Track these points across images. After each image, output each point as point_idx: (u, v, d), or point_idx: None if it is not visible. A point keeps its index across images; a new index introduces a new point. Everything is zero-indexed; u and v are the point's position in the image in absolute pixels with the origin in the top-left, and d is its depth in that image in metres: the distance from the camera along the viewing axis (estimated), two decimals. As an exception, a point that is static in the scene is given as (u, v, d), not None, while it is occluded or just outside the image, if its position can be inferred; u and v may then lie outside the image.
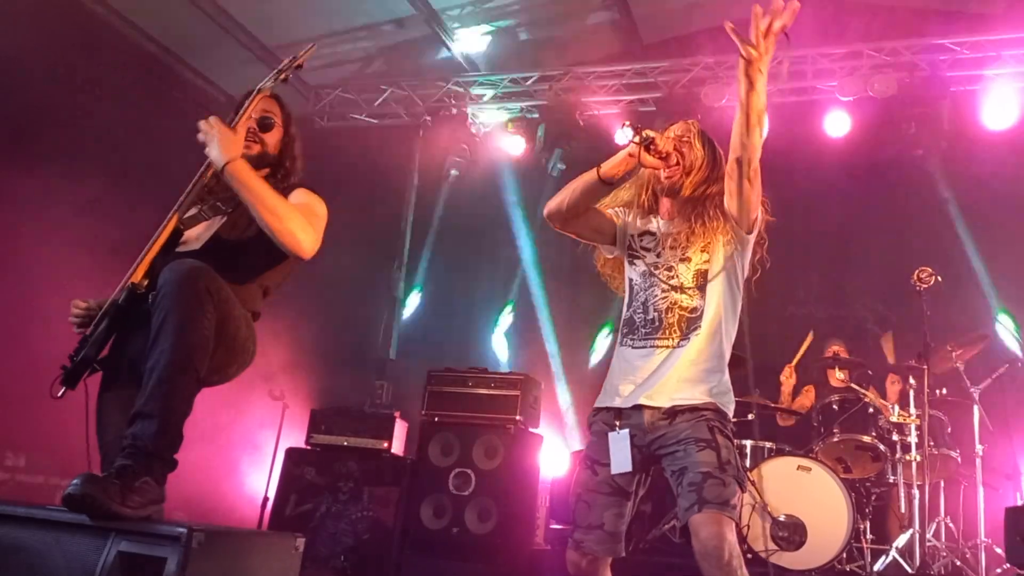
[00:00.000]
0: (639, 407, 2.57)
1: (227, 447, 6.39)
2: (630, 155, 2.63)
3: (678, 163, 2.68)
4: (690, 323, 2.59)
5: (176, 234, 2.55)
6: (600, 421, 2.67)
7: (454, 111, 7.62)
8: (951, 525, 5.20)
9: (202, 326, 2.24)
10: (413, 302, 8.05)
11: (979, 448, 5.02)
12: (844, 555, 4.75)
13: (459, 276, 7.87)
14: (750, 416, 5.58)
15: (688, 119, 2.84)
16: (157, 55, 6.42)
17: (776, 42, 2.36)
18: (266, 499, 5.91)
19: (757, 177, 2.55)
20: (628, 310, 2.74)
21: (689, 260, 2.65)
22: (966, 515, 5.21)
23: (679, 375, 2.55)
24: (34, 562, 2.04)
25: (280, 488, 5.71)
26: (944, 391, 5.33)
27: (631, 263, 2.78)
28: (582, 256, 3.05)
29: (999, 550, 4.72)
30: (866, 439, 5.24)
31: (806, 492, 4.81)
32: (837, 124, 6.66)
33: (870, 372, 5.97)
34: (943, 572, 4.80)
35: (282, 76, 2.60)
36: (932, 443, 5.09)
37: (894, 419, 5.16)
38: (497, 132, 7.61)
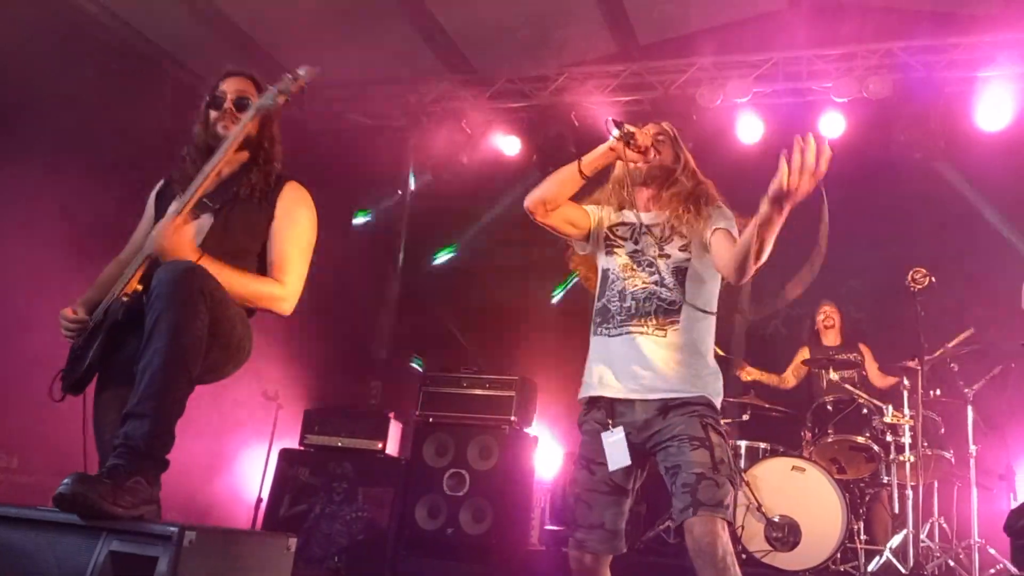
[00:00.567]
0: (631, 401, 2.58)
1: (220, 448, 6.37)
2: (611, 149, 2.72)
3: (655, 156, 2.77)
4: (668, 315, 2.62)
5: None
6: (592, 420, 2.68)
7: (449, 111, 7.61)
8: (945, 526, 5.21)
9: (195, 327, 2.24)
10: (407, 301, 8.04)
11: (973, 449, 5.03)
12: (838, 555, 4.77)
13: (453, 276, 7.85)
14: (745, 416, 5.60)
15: (661, 121, 2.91)
16: (144, 50, 6.39)
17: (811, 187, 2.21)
18: (260, 500, 5.90)
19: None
20: (602, 299, 2.76)
21: (668, 256, 2.69)
22: (960, 516, 5.22)
23: (663, 366, 2.57)
24: (25, 562, 2.03)
25: (274, 489, 5.71)
26: (938, 392, 5.34)
27: (608, 254, 2.81)
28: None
29: (992, 550, 4.73)
30: (860, 440, 5.25)
31: (800, 493, 4.82)
32: (832, 125, 6.67)
33: (864, 373, 5.99)
34: (937, 573, 4.81)
35: (282, 98, 2.60)
36: (926, 444, 5.10)
37: (888, 420, 5.17)
38: (492, 132, 7.60)
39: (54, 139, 5.08)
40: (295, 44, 6.61)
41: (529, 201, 2.77)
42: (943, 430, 5.32)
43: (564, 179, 2.77)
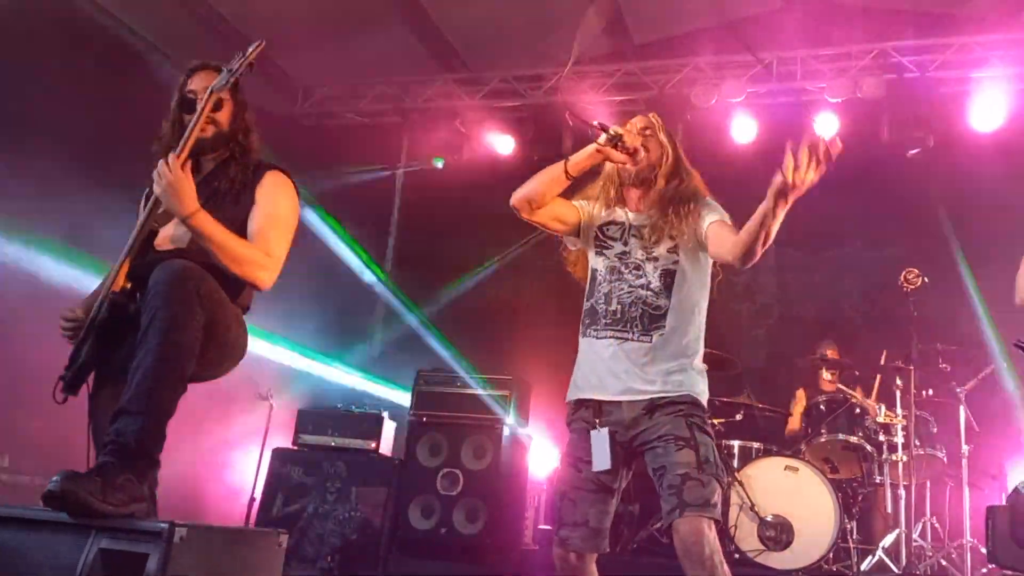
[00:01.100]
0: (618, 403, 2.59)
1: (213, 447, 6.35)
2: (598, 151, 2.70)
3: (643, 155, 2.74)
4: (653, 320, 2.61)
5: (150, 234, 2.54)
6: (580, 419, 2.69)
7: (442, 110, 7.60)
8: (937, 525, 5.22)
9: (190, 327, 2.24)
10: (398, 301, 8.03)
11: (965, 448, 5.05)
12: (831, 555, 4.77)
13: (446, 275, 7.84)
14: (738, 416, 5.60)
15: (649, 113, 2.89)
16: (135, 46, 6.37)
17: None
18: (252, 499, 5.88)
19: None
20: (590, 300, 2.76)
21: (656, 259, 2.68)
22: (952, 515, 5.24)
23: (648, 371, 2.57)
24: (15, 561, 2.02)
25: (267, 488, 5.69)
26: (930, 391, 5.36)
27: (597, 254, 2.80)
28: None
29: (984, 550, 4.74)
30: (853, 439, 5.26)
31: (793, 492, 4.82)
32: (826, 125, 6.69)
33: (856, 373, 5.99)
34: (929, 572, 4.82)
35: (233, 77, 2.58)
36: (918, 443, 5.12)
37: (880, 419, 5.18)
38: (486, 131, 7.60)
39: (41, 134, 5.05)
40: (289, 42, 6.61)
41: (514, 199, 2.76)
42: (935, 430, 5.34)
43: (549, 179, 2.75)
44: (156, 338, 2.18)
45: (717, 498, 2.43)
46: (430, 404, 5.80)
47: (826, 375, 6.02)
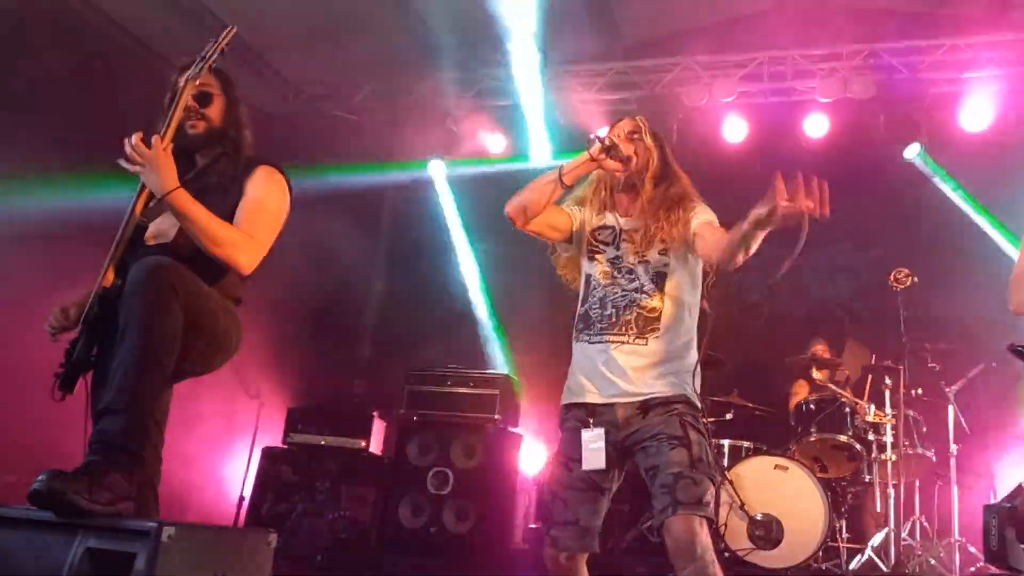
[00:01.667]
0: (611, 404, 2.59)
1: (202, 446, 6.33)
2: (591, 159, 2.71)
3: (635, 162, 2.76)
4: (648, 322, 2.62)
5: (140, 228, 2.52)
6: (573, 418, 2.69)
7: (434, 108, 7.59)
8: (926, 524, 5.24)
9: (167, 322, 2.22)
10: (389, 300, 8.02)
11: (953, 448, 5.07)
12: (820, 554, 4.78)
13: (437, 273, 7.83)
14: (728, 416, 5.61)
15: (635, 115, 2.90)
16: (126, 43, 6.33)
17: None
18: (242, 498, 5.86)
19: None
20: (584, 305, 2.77)
21: (648, 262, 2.69)
22: (941, 514, 5.25)
23: (642, 375, 2.58)
24: (1, 561, 2.00)
25: (256, 487, 5.67)
26: (920, 391, 5.37)
27: (590, 259, 2.81)
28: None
29: (973, 549, 4.76)
30: (842, 439, 5.27)
31: (783, 491, 4.83)
32: (816, 125, 6.71)
33: (847, 372, 6.01)
34: (918, 571, 4.84)
35: (207, 64, 2.56)
36: (907, 443, 5.14)
37: (870, 419, 5.20)
38: (477, 129, 7.60)
39: (25, 126, 5.02)
40: (280, 39, 6.58)
41: (509, 209, 2.77)
42: (925, 429, 5.36)
43: (544, 187, 2.76)
44: (134, 336, 2.18)
45: (710, 497, 2.43)
46: (420, 403, 5.79)
47: (816, 374, 6.03)
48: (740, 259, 2.42)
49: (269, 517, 5.48)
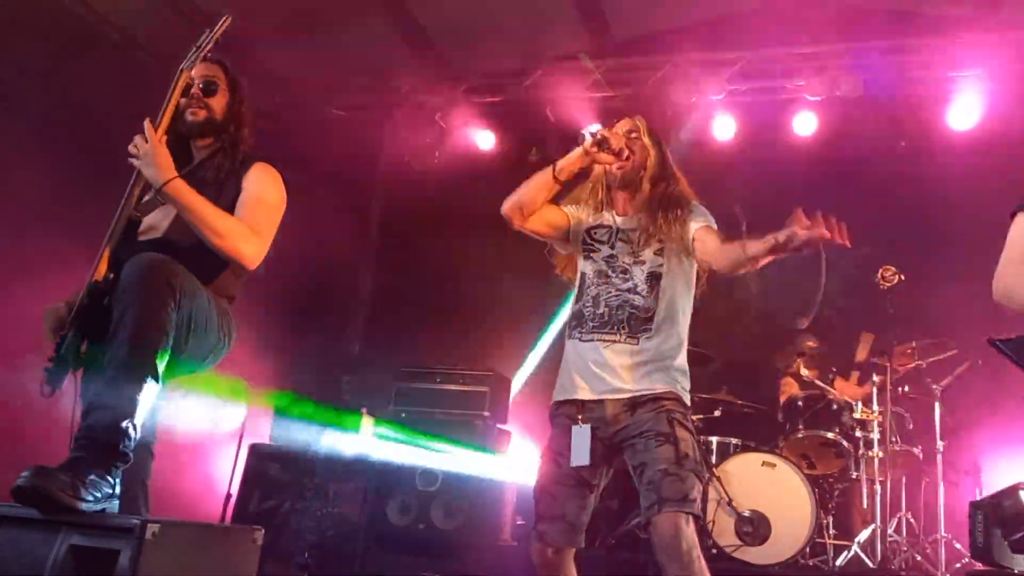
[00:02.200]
0: (601, 401, 2.61)
1: (189, 443, 6.28)
2: (585, 153, 2.72)
3: (629, 158, 2.77)
4: (640, 322, 2.64)
5: (133, 223, 2.50)
6: (563, 415, 2.71)
7: (423, 105, 7.57)
8: (912, 520, 5.27)
9: (161, 320, 2.21)
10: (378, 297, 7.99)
11: (940, 444, 5.10)
12: (807, 550, 4.80)
13: (426, 271, 7.80)
14: (716, 413, 5.62)
15: (634, 116, 2.92)
16: (115, 38, 6.28)
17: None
18: (229, 495, 5.82)
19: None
20: (578, 303, 2.78)
21: (643, 262, 2.71)
22: (927, 510, 5.29)
23: (632, 373, 2.59)
24: (-16, 558, 1.98)
25: (243, 484, 5.64)
26: (906, 388, 5.41)
27: (586, 257, 2.83)
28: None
29: (959, 545, 4.79)
30: (830, 435, 5.29)
31: (771, 488, 4.85)
32: (805, 123, 6.72)
33: (834, 369, 6.03)
34: (904, 567, 4.87)
35: (201, 54, 2.55)
36: (894, 439, 5.17)
37: (857, 415, 5.22)
38: (467, 126, 7.58)
39: (14, 119, 4.98)
40: (266, 33, 6.53)
41: (506, 208, 2.79)
42: (911, 426, 5.39)
43: (539, 185, 2.78)
44: (126, 332, 2.16)
45: (696, 493, 2.44)
46: (409, 400, 5.78)
47: (804, 371, 6.05)
48: (741, 272, 2.48)
49: (256, 514, 5.45)
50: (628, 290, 2.67)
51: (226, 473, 5.84)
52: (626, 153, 2.75)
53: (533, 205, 2.77)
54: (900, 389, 5.37)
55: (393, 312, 7.71)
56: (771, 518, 4.76)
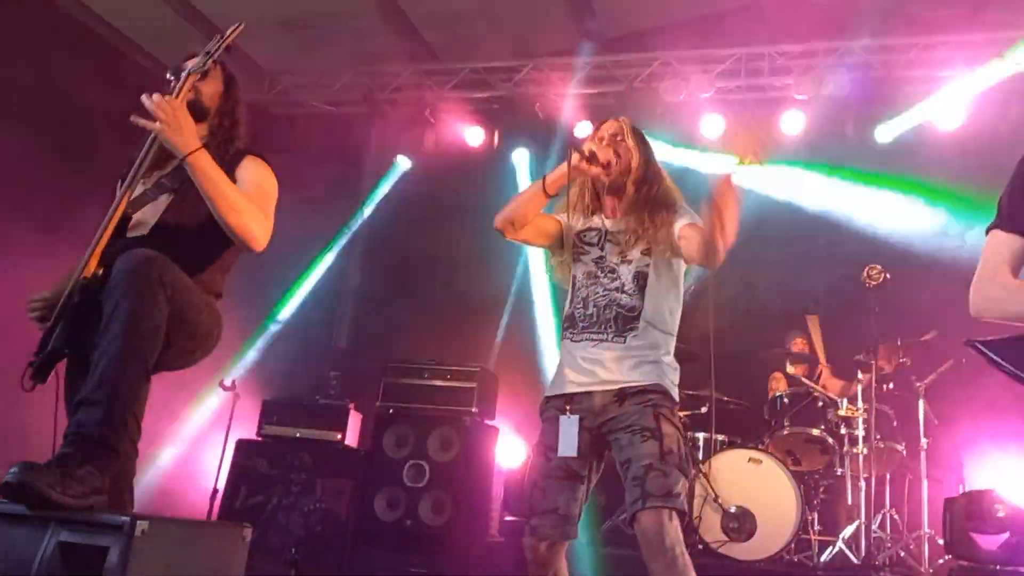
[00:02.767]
0: (589, 392, 2.66)
1: (176, 438, 6.28)
2: (573, 168, 2.77)
3: (616, 165, 2.82)
4: (627, 321, 2.68)
5: (124, 218, 2.49)
6: (552, 408, 2.75)
7: (412, 100, 7.56)
8: (896, 517, 5.31)
9: (152, 316, 2.21)
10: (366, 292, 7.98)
11: (924, 441, 5.14)
12: (792, 546, 4.84)
13: (414, 266, 7.79)
14: (703, 409, 5.64)
15: (619, 117, 2.96)
16: (111, 38, 6.25)
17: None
18: (216, 491, 5.81)
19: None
20: (570, 306, 2.83)
21: (630, 262, 2.75)
22: (911, 507, 5.33)
23: (621, 362, 2.64)
24: (-30, 554, 1.97)
25: (231, 480, 5.63)
26: (891, 385, 5.45)
27: (576, 260, 2.87)
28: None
29: (942, 541, 4.83)
30: (815, 432, 5.33)
31: (756, 484, 4.88)
32: (793, 121, 6.76)
33: (821, 365, 6.07)
34: (888, 563, 4.91)
35: (211, 58, 2.55)
36: (879, 436, 5.20)
37: (842, 413, 5.26)
38: (456, 122, 7.58)
39: (11, 123, 4.95)
40: (256, 28, 6.50)
41: (498, 222, 2.85)
42: (896, 423, 5.43)
43: (529, 198, 2.84)
44: (118, 327, 2.15)
45: (680, 489, 2.46)
46: (396, 395, 5.78)
47: (791, 368, 6.09)
48: (720, 250, 2.47)
49: (243, 510, 5.45)
50: (615, 289, 2.72)
51: (212, 468, 5.83)
52: (613, 163, 2.81)
53: (524, 219, 2.83)
54: (884, 386, 5.41)
55: (381, 307, 7.70)
56: (757, 514, 4.79)
